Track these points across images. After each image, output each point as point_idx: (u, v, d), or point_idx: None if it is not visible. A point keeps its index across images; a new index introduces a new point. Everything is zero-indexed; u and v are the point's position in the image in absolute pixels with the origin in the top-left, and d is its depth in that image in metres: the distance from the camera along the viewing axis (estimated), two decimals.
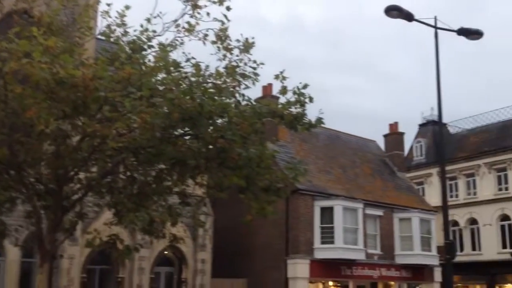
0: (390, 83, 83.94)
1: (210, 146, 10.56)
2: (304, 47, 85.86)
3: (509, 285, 36.77)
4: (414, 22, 15.57)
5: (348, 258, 26.95)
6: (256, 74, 11.48)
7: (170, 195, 12.23)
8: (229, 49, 11.51)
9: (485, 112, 41.93)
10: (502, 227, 37.06)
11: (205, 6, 11.36)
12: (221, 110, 10.05)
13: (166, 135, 10.30)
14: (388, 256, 29.56)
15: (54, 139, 10.47)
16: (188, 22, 11.43)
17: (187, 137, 10.84)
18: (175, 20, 11.48)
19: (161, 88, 10.05)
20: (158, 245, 22.42)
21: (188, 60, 11.14)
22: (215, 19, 11.27)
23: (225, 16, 11.23)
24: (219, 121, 10.42)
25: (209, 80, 10.93)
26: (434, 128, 42.34)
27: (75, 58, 9.93)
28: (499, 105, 47.34)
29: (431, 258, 30.26)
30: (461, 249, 37.68)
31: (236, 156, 10.37)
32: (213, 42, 11.50)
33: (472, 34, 15.97)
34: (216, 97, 10.14)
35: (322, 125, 11.56)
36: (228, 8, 11.17)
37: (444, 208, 15.55)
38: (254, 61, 11.49)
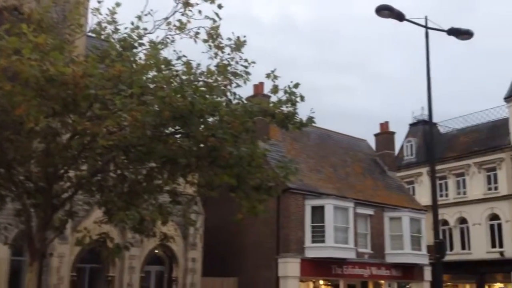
0: (381, 83, 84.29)
1: (201, 145, 10.53)
2: (296, 47, 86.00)
3: (498, 284, 37.05)
4: (405, 22, 15.63)
5: (339, 257, 27.03)
6: (247, 73, 11.47)
7: (160, 193, 12.18)
8: (220, 48, 11.48)
9: (475, 112, 42.26)
10: (492, 226, 37.30)
11: (197, 4, 11.31)
12: (212, 108, 10.03)
13: (157, 134, 10.26)
14: (379, 255, 29.68)
15: (44, 137, 10.40)
16: (179, 20, 11.38)
17: (178, 136, 10.80)
18: (166, 18, 11.43)
19: (152, 86, 10.00)
20: (149, 243, 22.35)
21: (179, 58, 11.10)
22: (207, 17, 11.23)
23: (217, 14, 11.20)
24: (210, 119, 10.40)
25: (200, 79, 10.90)
26: (424, 128, 42.55)
27: (65, 56, 9.87)
28: (489, 105, 47.69)
29: (421, 257, 30.41)
30: (451, 248, 37.90)
31: (227, 154, 10.35)
32: (205, 41, 11.46)
33: (462, 34, 16.05)
34: (207, 96, 10.12)
35: (313, 124, 11.57)
36: (219, 6, 11.14)
37: (434, 207, 15.62)
38: (246, 60, 11.48)
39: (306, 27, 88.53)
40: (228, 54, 11.47)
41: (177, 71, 10.66)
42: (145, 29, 11.42)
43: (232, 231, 26.79)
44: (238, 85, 11.30)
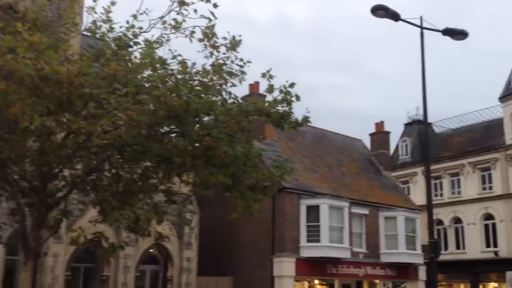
0: (376, 83, 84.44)
1: (196, 144, 10.51)
2: (292, 46, 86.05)
3: (492, 283, 37.18)
4: (400, 22, 15.67)
5: (334, 257, 27.06)
6: (243, 73, 11.46)
7: (155, 193, 12.16)
8: (216, 47, 11.46)
9: (470, 112, 42.42)
10: (486, 226, 37.43)
11: (192, 3, 11.28)
12: (207, 108, 10.01)
13: (152, 133, 10.24)
14: (374, 255, 29.73)
15: (39, 136, 10.36)
16: (174, 19, 11.36)
17: (173, 135, 10.79)
18: (162, 17, 11.41)
19: (147, 85, 9.98)
20: (144, 243, 22.32)
21: (174, 57, 11.08)
22: (202, 16, 11.22)
23: (212, 13, 11.18)
24: (206, 119, 10.38)
25: (195, 78, 10.88)
26: (419, 128, 42.67)
27: (60, 54, 9.83)
28: (483, 105, 47.84)
29: (416, 257, 30.48)
30: (446, 248, 38.01)
31: (223, 154, 10.34)
32: (200, 40, 11.44)
33: (457, 34, 16.11)
34: (202, 95, 10.09)
35: (309, 124, 11.57)
36: (215, 6, 11.11)
37: (429, 207, 15.66)
38: (241, 60, 11.46)
39: (302, 27, 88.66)
40: (224, 54, 11.46)
41: (172, 70, 10.65)
42: (141, 28, 11.40)
43: (227, 230, 26.78)
44: (233, 85, 11.30)
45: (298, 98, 11.06)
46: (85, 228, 12.65)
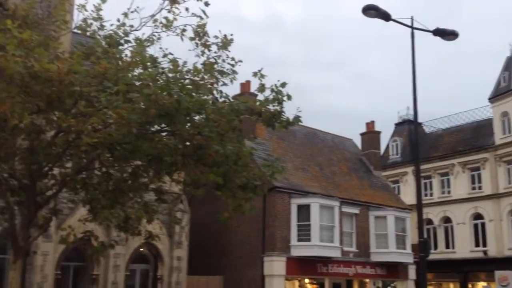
0: (368, 82, 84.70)
1: (187, 143, 10.48)
2: (283, 45, 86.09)
3: (481, 283, 37.42)
4: (391, 22, 15.71)
5: (324, 256, 27.12)
6: (234, 72, 11.43)
7: (146, 191, 12.12)
8: (207, 46, 11.44)
9: (460, 112, 42.71)
10: (475, 225, 37.68)
11: (184, 1, 11.25)
12: (198, 106, 9.97)
13: (143, 131, 10.20)
14: (364, 254, 29.84)
15: (28, 134, 10.30)
16: (166, 17, 11.32)
17: (163, 134, 10.75)
18: (153, 15, 11.37)
19: (137, 83, 9.93)
20: (134, 242, 22.19)
21: (165, 55, 11.05)
22: (194, 15, 11.19)
23: (204, 12, 11.17)
24: (197, 117, 10.34)
25: (186, 76, 10.84)
26: (409, 127, 42.85)
27: (50, 52, 9.77)
28: (473, 105, 48.11)
29: (406, 256, 30.63)
30: (435, 247, 38.22)
31: (213, 153, 10.31)
32: (191, 38, 11.41)
33: (447, 34, 16.19)
34: (193, 94, 10.06)
35: (300, 123, 11.57)
36: (206, 4, 11.09)
37: (419, 206, 15.73)
38: (233, 59, 11.45)
39: (294, 26, 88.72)
40: (215, 52, 11.44)
41: (163, 68, 10.60)
42: (131, 26, 11.35)
43: (218, 229, 26.79)
44: (224, 84, 11.27)
45: (289, 97, 11.05)
46: (75, 227, 12.58)
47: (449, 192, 39.57)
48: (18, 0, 11.48)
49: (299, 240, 26.83)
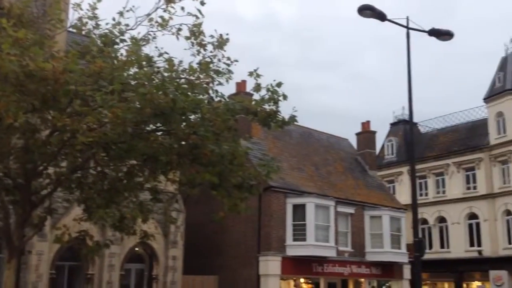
0: (363, 82, 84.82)
1: (183, 142, 10.48)
2: (279, 45, 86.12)
3: (476, 282, 37.53)
4: (387, 22, 15.74)
5: (320, 255, 27.15)
6: (230, 71, 11.42)
7: (141, 191, 12.10)
8: (203, 45, 11.42)
9: (455, 112, 42.80)
10: (470, 225, 37.79)
11: (179, 0, 11.25)
12: (194, 106, 9.97)
13: (138, 131, 10.18)
14: (359, 254, 29.88)
15: (23, 133, 10.27)
16: (161, 17, 11.30)
17: (159, 133, 10.74)
18: (148, 14, 11.35)
19: (133, 82, 9.92)
20: (129, 241, 22.20)
21: (161, 55, 11.03)
22: (189, 14, 11.18)
23: (199, 11, 11.15)
24: (192, 117, 10.34)
25: (182, 76, 10.82)
26: (405, 127, 42.93)
27: (45, 51, 9.75)
28: (469, 105, 48.25)
29: (401, 256, 30.69)
30: (430, 247, 38.32)
31: (209, 152, 10.30)
32: (187, 38, 11.38)
33: (443, 35, 16.24)
34: (189, 93, 10.05)
35: (295, 123, 11.58)
36: (202, 3, 11.07)
37: (414, 206, 15.77)
38: (228, 58, 11.44)
39: (289, 26, 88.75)
40: (211, 52, 11.42)
41: (158, 68, 10.58)
42: (127, 25, 11.33)
43: (213, 229, 26.78)
44: (220, 83, 11.26)
45: (285, 97, 11.05)
46: (70, 226, 12.56)
47: (444, 192, 39.67)
48: None
49: (294, 239, 26.85)
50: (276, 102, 11.04)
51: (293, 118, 11.22)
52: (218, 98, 11.08)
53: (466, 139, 39.72)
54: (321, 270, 27.79)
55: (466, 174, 38.65)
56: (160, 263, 24.46)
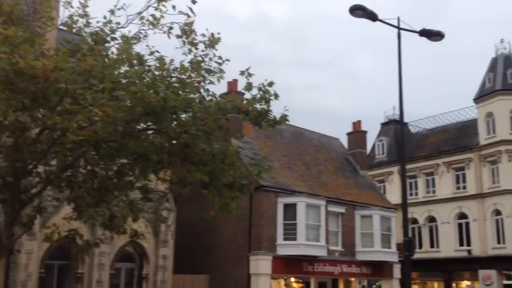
0: (354, 82, 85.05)
1: (174, 141, 10.46)
2: (270, 44, 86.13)
3: (465, 282, 37.76)
4: (379, 22, 15.78)
5: (310, 255, 27.18)
6: (221, 70, 11.42)
7: (131, 190, 12.08)
8: (194, 44, 11.41)
9: (445, 112, 43.00)
10: (460, 225, 37.99)
11: None
12: (185, 105, 9.95)
13: (129, 129, 10.15)
14: (349, 253, 29.95)
15: (13, 131, 10.21)
16: (152, 15, 11.29)
17: (150, 132, 10.71)
18: (140, 13, 11.33)
19: (124, 81, 9.89)
20: (119, 240, 22.12)
21: (152, 53, 11.01)
22: (181, 13, 11.16)
23: (191, 9, 11.14)
24: (183, 116, 10.33)
25: (173, 75, 10.81)
26: (395, 127, 43.08)
27: (35, 49, 9.70)
28: (459, 106, 48.50)
29: (391, 255, 30.79)
30: (420, 246, 38.46)
31: (200, 151, 10.30)
32: (178, 36, 11.38)
33: (433, 35, 16.30)
34: (180, 92, 10.04)
35: (287, 122, 11.59)
36: (193, 2, 11.07)
37: (404, 206, 15.82)
38: (220, 57, 11.43)
39: (281, 25, 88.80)
40: (202, 51, 11.42)
41: (149, 66, 10.57)
42: (118, 23, 11.30)
43: (204, 228, 26.74)
44: (211, 82, 11.25)
45: (276, 96, 11.07)
46: (60, 225, 12.49)
47: (434, 191, 39.86)
48: None
49: (285, 239, 26.85)
50: (267, 102, 11.05)
51: (284, 118, 11.24)
52: (210, 97, 11.07)
53: (456, 139, 39.94)
54: (311, 270, 27.83)
55: (456, 174, 38.85)
56: (150, 262, 24.39)
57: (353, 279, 30.31)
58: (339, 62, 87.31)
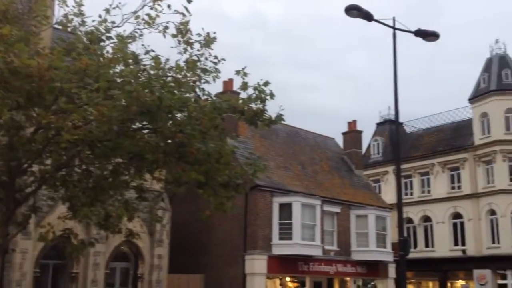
0: (350, 82, 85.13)
1: (169, 141, 10.46)
2: (266, 44, 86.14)
3: (460, 281, 37.87)
4: (374, 23, 15.80)
5: (306, 254, 27.21)
6: (217, 70, 11.41)
7: (127, 189, 12.06)
8: (189, 43, 11.40)
9: (440, 112, 43.12)
10: (454, 225, 38.11)
11: None
12: (180, 104, 9.95)
13: (124, 129, 10.14)
14: (344, 252, 30.00)
15: (7, 130, 10.18)
16: (148, 14, 11.27)
17: (145, 131, 10.71)
18: (135, 12, 11.30)
19: (119, 80, 9.87)
20: (114, 240, 22.07)
21: (147, 52, 10.99)
22: (176, 12, 11.15)
23: (186, 9, 11.13)
24: (179, 115, 10.32)
25: (169, 74, 10.80)
26: (391, 127, 43.17)
27: (30, 48, 9.68)
28: (454, 106, 48.66)
29: (386, 255, 30.86)
30: (415, 246, 38.56)
31: (195, 151, 10.29)
32: (174, 36, 11.36)
33: (428, 35, 16.33)
34: (175, 91, 10.03)
35: (282, 122, 11.60)
36: (189, 1, 11.06)
37: (399, 205, 15.86)
38: (215, 57, 11.42)
39: (276, 25, 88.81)
40: (198, 50, 11.40)
41: (145, 65, 10.55)
42: (113, 22, 11.27)
43: (199, 227, 26.73)
44: (207, 82, 11.24)
45: (272, 96, 11.07)
46: (54, 224, 12.47)
47: (429, 191, 39.97)
48: None
49: (280, 238, 26.88)
50: (263, 101, 11.05)
51: (280, 117, 11.25)
52: (205, 97, 11.07)
53: (451, 139, 40.05)
54: (307, 269, 27.86)
55: (450, 174, 38.97)
56: (146, 262, 24.37)
57: (348, 278, 30.36)
58: (335, 62, 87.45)
